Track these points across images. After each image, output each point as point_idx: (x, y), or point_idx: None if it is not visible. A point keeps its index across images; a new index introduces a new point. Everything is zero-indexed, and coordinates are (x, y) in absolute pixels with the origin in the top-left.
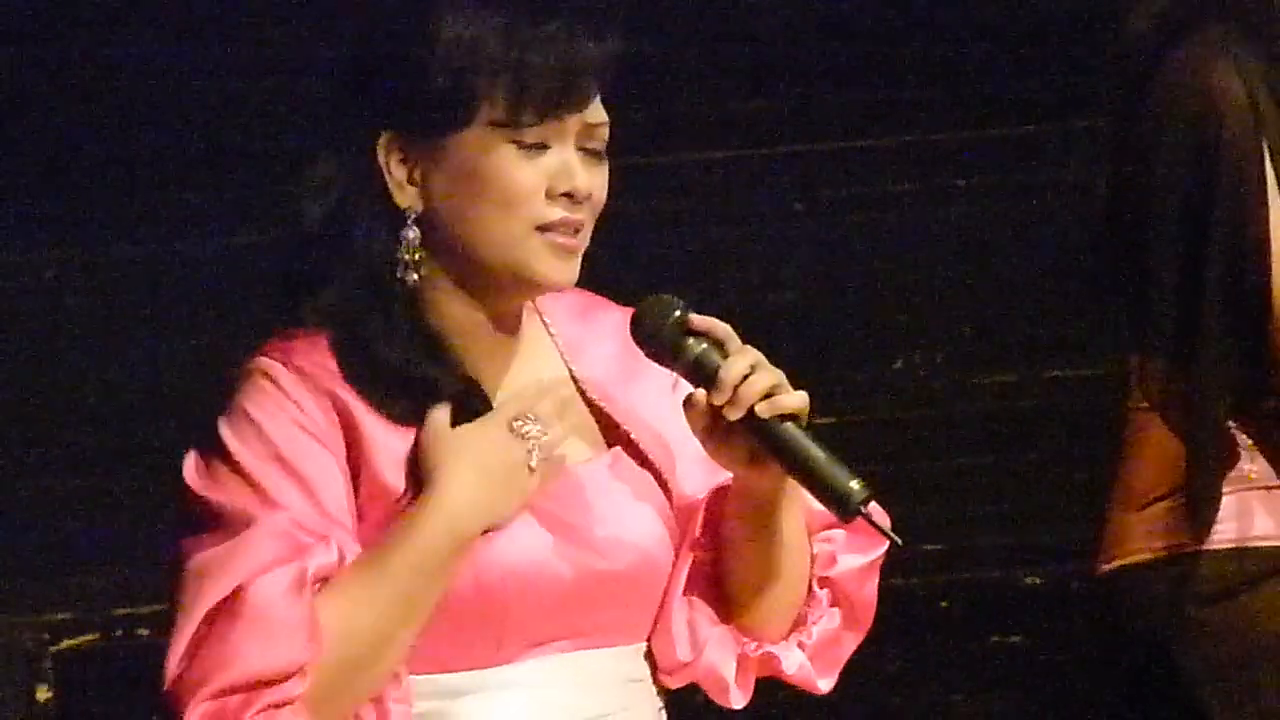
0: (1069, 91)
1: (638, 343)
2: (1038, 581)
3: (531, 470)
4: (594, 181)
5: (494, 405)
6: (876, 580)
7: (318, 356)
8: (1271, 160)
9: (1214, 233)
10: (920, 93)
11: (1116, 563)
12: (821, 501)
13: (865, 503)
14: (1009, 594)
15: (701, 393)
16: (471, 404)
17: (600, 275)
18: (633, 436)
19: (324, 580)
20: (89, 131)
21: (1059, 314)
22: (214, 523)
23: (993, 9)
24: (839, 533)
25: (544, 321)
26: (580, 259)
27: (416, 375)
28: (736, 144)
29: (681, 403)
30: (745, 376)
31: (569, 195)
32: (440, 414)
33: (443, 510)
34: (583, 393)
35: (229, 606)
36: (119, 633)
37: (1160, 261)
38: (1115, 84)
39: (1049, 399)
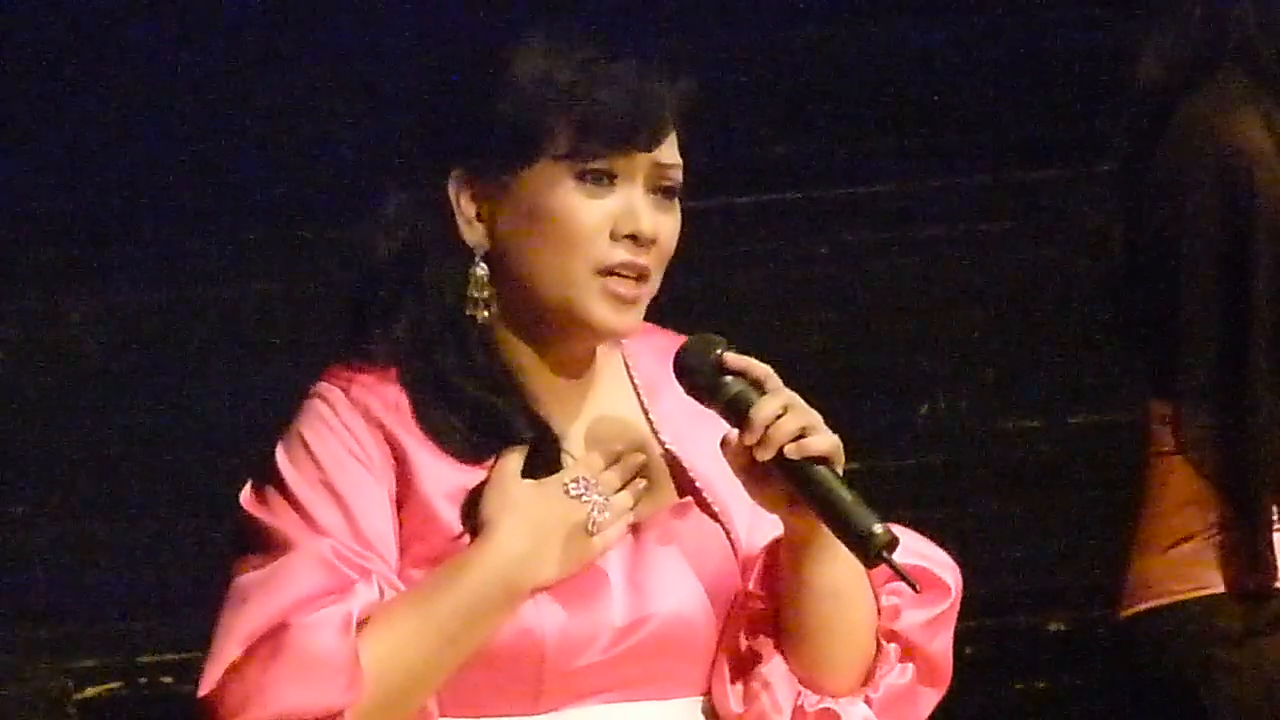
0: (1092, 136)
1: (679, 380)
2: (1062, 627)
3: (590, 534)
4: (661, 225)
5: (564, 446)
6: (949, 633)
7: (380, 387)
8: None
9: (1257, 279)
10: (943, 138)
11: (1141, 606)
12: (846, 544)
13: (889, 547)
14: (1034, 640)
15: (735, 433)
16: (542, 447)
17: None
18: (699, 485)
19: (364, 620)
20: (112, 179)
21: (1083, 360)
22: (259, 544)
23: (1018, 53)
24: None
25: (625, 362)
26: (643, 308)
27: (489, 411)
28: (760, 188)
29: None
30: (777, 417)
31: (633, 238)
32: (513, 461)
33: (498, 561)
34: (657, 435)
35: (272, 640)
36: (143, 680)
37: (1196, 308)
38: (1126, 128)
39: (1073, 445)
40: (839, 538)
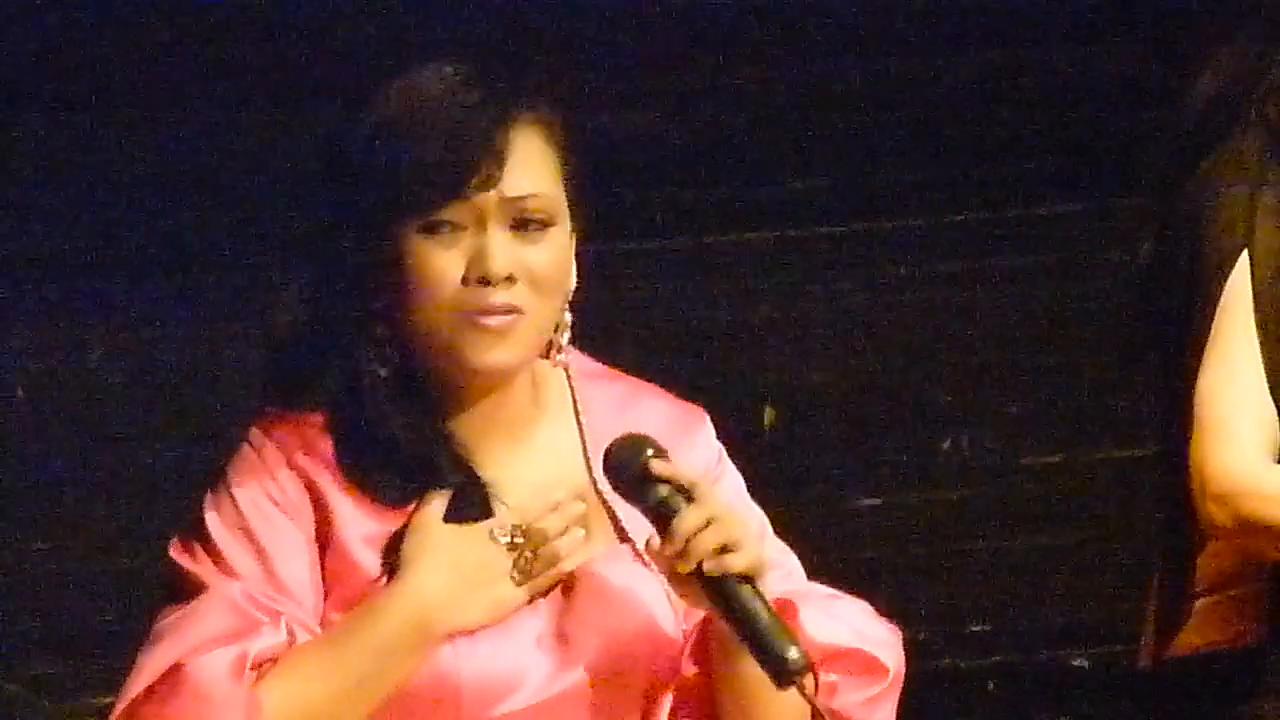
0: (1117, 171)
1: (605, 476)
2: (1086, 664)
3: (516, 581)
4: (525, 258)
5: (498, 492)
6: (891, 709)
7: (305, 432)
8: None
9: (1188, 358)
10: (965, 172)
11: (1168, 653)
12: (760, 664)
13: (801, 672)
14: (1057, 676)
15: (658, 539)
16: (470, 492)
17: (646, 356)
18: (631, 535)
19: (270, 660)
20: (133, 212)
21: (1106, 394)
22: (176, 589)
23: (1042, 87)
24: (841, 664)
25: (577, 411)
26: (525, 339)
27: (413, 456)
28: (781, 224)
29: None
30: (698, 530)
31: (484, 281)
32: (434, 506)
33: (411, 602)
34: (595, 485)
35: (169, 680)
36: None
37: (1157, 353)
38: (1161, 173)
39: (1097, 480)
40: (755, 657)
